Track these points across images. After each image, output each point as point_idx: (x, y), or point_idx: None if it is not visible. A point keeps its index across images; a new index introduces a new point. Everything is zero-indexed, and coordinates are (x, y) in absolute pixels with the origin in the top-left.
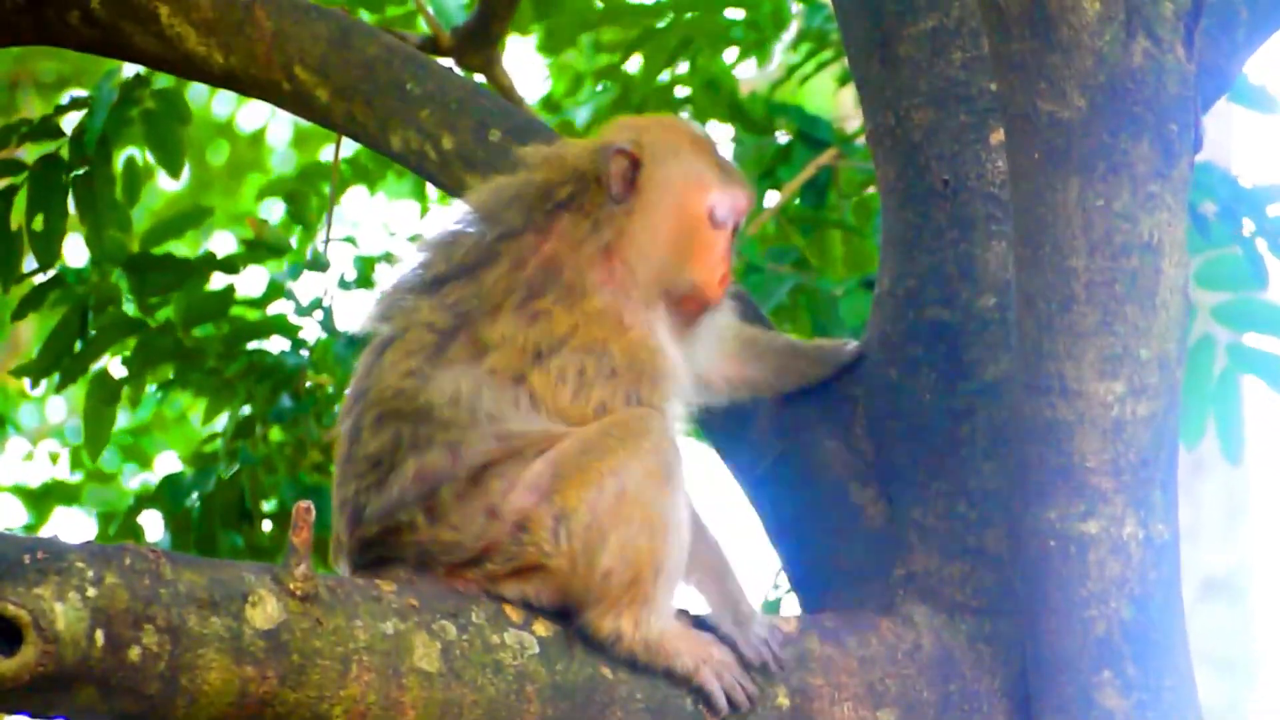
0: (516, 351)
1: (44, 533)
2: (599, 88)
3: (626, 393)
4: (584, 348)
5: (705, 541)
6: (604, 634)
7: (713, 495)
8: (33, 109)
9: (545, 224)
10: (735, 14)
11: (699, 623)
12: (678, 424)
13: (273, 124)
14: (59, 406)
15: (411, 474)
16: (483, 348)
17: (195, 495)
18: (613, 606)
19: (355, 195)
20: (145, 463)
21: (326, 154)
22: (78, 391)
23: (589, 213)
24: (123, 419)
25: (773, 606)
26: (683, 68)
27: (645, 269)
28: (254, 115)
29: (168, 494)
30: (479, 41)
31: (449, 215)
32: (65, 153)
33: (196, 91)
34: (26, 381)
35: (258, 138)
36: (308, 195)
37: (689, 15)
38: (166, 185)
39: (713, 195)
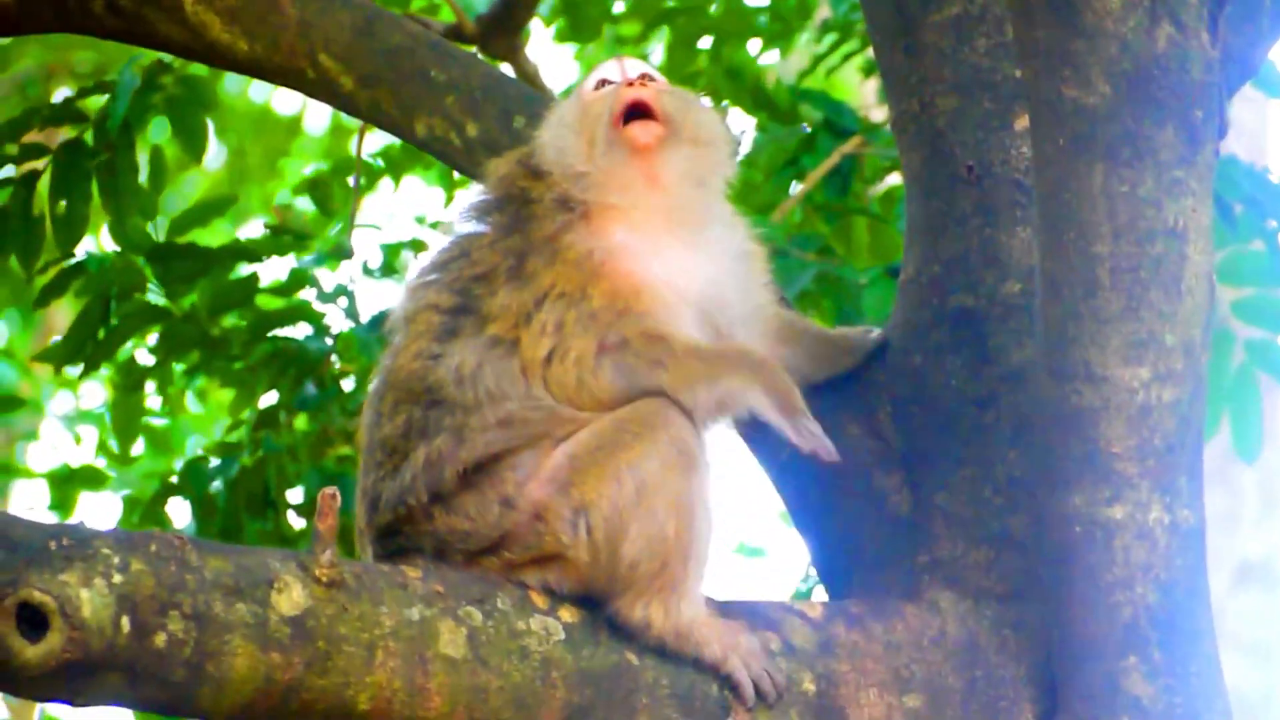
0: (511, 317)
1: (71, 519)
2: None
3: (606, 338)
4: (564, 296)
5: None
6: (634, 622)
7: (738, 482)
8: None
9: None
10: (758, 3)
11: (725, 609)
12: (697, 340)
13: (310, 110)
14: (97, 393)
15: (421, 461)
16: (484, 320)
17: (220, 482)
18: (641, 595)
19: (385, 186)
20: (175, 450)
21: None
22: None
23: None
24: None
25: (804, 594)
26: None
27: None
28: (292, 101)
29: (192, 481)
30: (503, 29)
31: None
32: (89, 138)
33: (234, 77)
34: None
35: (295, 124)
36: (332, 184)
37: (713, 7)
38: (205, 169)
39: (589, 81)
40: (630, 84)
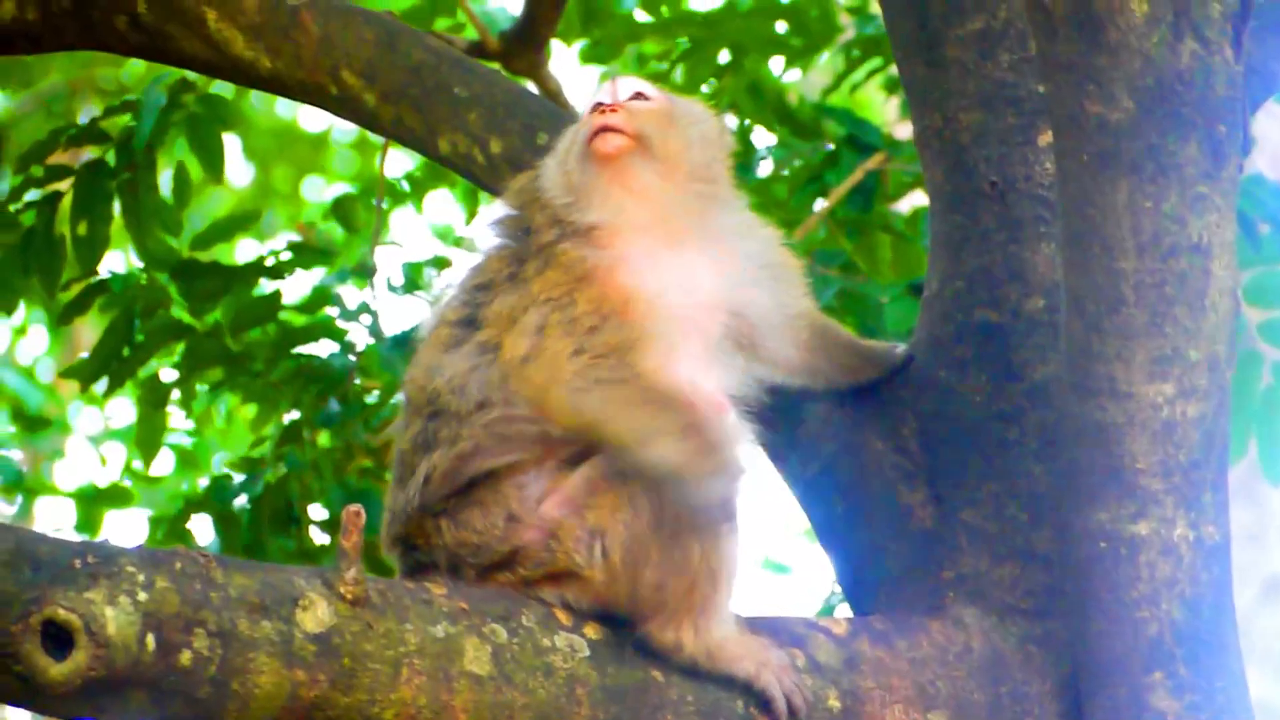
0: (501, 321)
1: (97, 538)
2: None
3: (584, 344)
4: (550, 301)
5: None
6: (665, 645)
7: (763, 498)
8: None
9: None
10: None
11: (750, 625)
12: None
13: (337, 126)
14: (124, 410)
15: (423, 475)
16: (479, 326)
17: (244, 499)
18: (671, 618)
19: (408, 210)
20: (200, 467)
21: (389, 158)
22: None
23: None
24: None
25: (829, 609)
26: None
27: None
28: (319, 118)
29: (215, 498)
30: (525, 46)
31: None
32: (110, 158)
33: (261, 94)
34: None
35: (321, 140)
36: (357, 203)
37: (737, 26)
38: (231, 186)
39: (586, 106)
40: (610, 109)
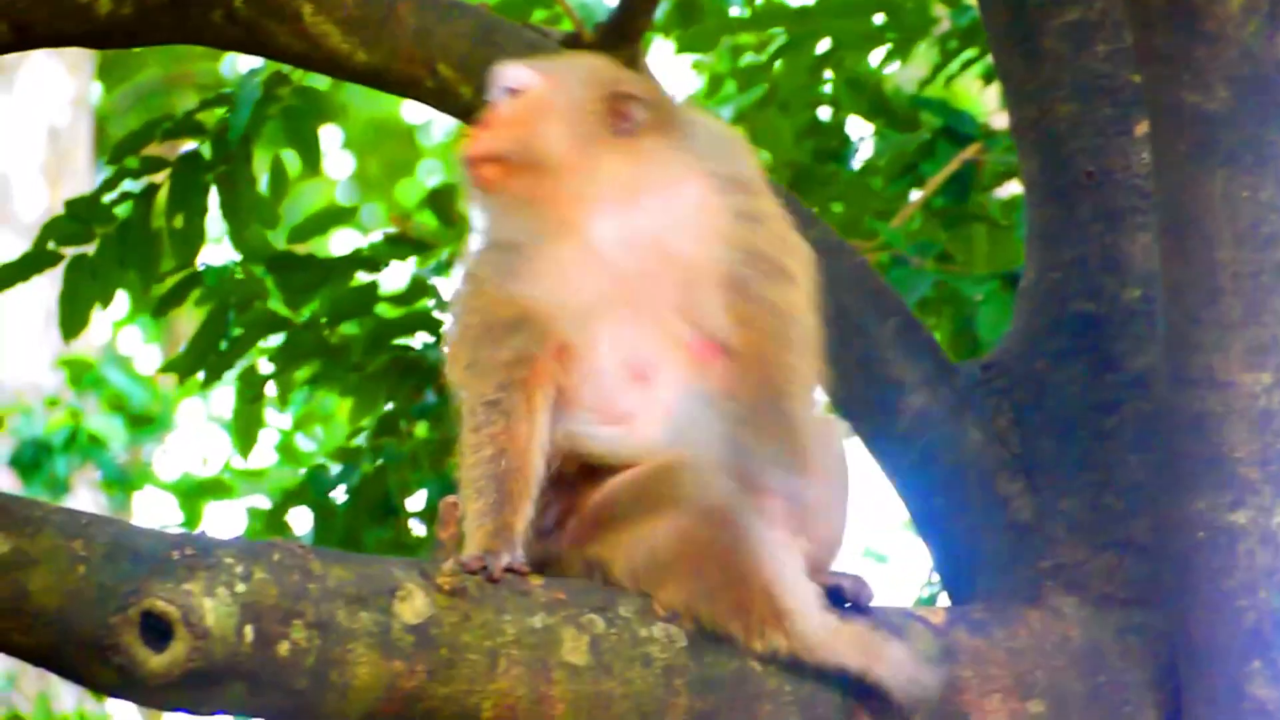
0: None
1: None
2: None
3: (473, 359)
4: (455, 316)
5: None
6: (760, 653)
7: (863, 489)
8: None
9: None
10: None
11: (833, 599)
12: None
13: (436, 119)
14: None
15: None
16: None
17: (341, 490)
18: (750, 629)
19: None
20: (300, 459)
21: None
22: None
23: None
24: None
25: (927, 600)
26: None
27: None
28: (418, 110)
29: (313, 490)
30: (621, 38)
31: None
32: (206, 150)
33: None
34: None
35: (418, 132)
36: (451, 194)
37: (834, 20)
38: (329, 177)
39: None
40: (479, 128)
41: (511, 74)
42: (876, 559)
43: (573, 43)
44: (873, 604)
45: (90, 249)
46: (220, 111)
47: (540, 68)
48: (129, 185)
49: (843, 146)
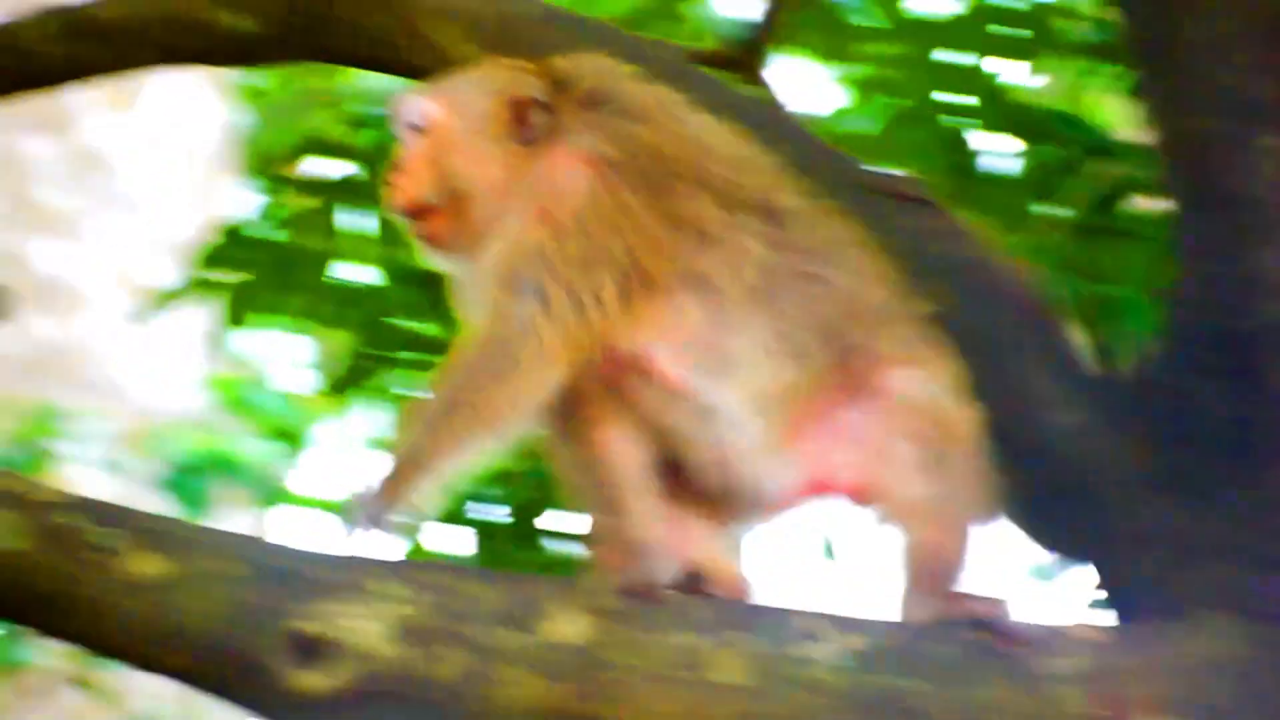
0: None
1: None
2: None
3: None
4: None
5: None
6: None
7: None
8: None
9: None
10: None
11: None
12: None
13: None
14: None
15: None
16: None
17: (495, 511)
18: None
19: None
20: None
21: None
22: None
23: None
24: None
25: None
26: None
27: None
28: None
29: (466, 509)
30: (749, 52)
31: None
32: (362, 172)
33: None
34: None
35: None
36: None
37: (966, 31)
38: None
39: None
40: (393, 178)
41: (410, 108)
42: (1040, 576)
43: (700, 58)
44: (1028, 621)
45: (248, 274)
46: (371, 133)
47: (436, 93)
48: (278, 206)
49: (968, 159)
